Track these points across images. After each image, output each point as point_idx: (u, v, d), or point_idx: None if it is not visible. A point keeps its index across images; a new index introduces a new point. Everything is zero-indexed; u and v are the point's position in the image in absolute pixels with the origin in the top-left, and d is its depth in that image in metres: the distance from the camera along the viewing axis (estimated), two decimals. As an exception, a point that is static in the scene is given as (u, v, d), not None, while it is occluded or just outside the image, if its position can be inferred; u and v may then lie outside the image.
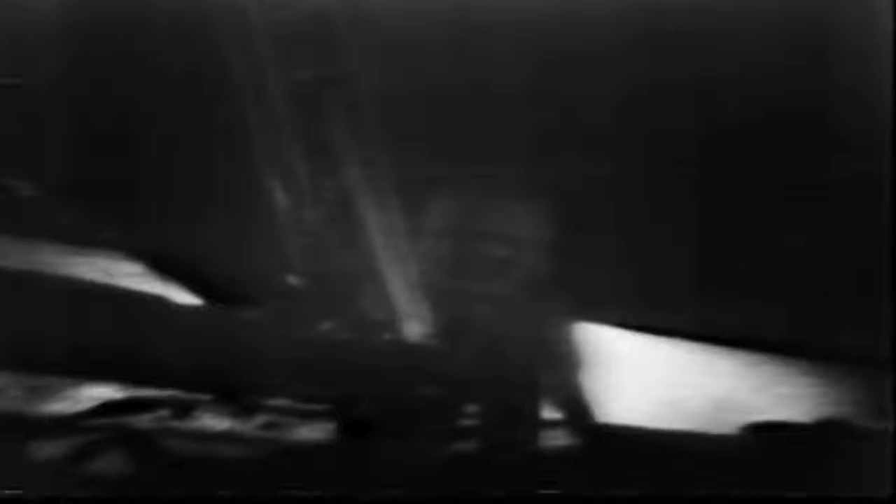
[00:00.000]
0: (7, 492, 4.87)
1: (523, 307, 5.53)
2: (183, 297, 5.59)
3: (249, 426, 5.24)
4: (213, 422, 5.26)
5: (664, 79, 5.47)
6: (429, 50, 5.51)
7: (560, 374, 5.43)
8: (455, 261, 5.60)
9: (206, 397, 5.32)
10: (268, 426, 5.24)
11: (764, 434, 5.18)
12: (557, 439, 5.22)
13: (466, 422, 5.34)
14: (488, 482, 4.98)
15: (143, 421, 5.24)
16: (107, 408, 5.31)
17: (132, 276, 5.58)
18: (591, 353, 5.42)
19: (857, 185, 5.38)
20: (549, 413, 5.37)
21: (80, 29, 5.66)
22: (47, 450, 5.15)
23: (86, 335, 5.44)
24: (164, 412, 5.28)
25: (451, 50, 5.52)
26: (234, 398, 5.34)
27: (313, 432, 5.21)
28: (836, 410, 5.21)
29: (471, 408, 5.37)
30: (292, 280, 5.62)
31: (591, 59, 5.47)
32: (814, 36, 5.43)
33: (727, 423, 5.22)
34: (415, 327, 5.55)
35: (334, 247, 5.57)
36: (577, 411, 5.37)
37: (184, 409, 5.29)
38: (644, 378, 5.38)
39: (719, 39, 5.46)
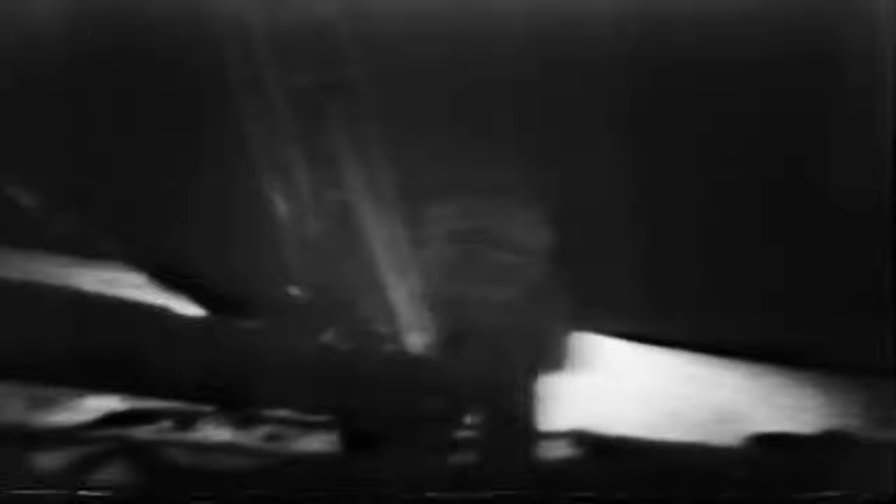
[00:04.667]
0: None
1: (526, 316, 5.53)
2: (185, 307, 5.59)
3: (251, 437, 5.25)
4: (215, 433, 5.26)
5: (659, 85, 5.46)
6: (429, 54, 5.49)
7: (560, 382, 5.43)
8: (458, 267, 5.60)
9: (209, 408, 5.32)
10: (269, 437, 5.25)
11: (765, 445, 5.19)
12: (558, 449, 5.22)
13: (467, 432, 5.34)
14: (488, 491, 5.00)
15: (146, 432, 5.25)
16: (109, 419, 5.32)
17: (134, 287, 5.58)
18: (591, 362, 5.42)
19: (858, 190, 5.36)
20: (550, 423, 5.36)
21: (78, 44, 5.64)
22: (50, 460, 5.17)
23: (88, 346, 5.45)
24: (166, 423, 5.29)
25: (452, 54, 5.50)
26: (235, 409, 5.34)
27: (315, 443, 5.22)
28: (838, 421, 5.21)
29: (472, 418, 5.37)
30: (294, 290, 5.62)
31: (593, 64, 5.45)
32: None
33: (728, 434, 5.22)
34: (417, 337, 5.55)
35: (336, 257, 5.56)
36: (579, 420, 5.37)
37: (186, 421, 5.30)
38: (644, 388, 5.38)
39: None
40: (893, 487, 4.88)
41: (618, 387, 5.38)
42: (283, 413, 5.33)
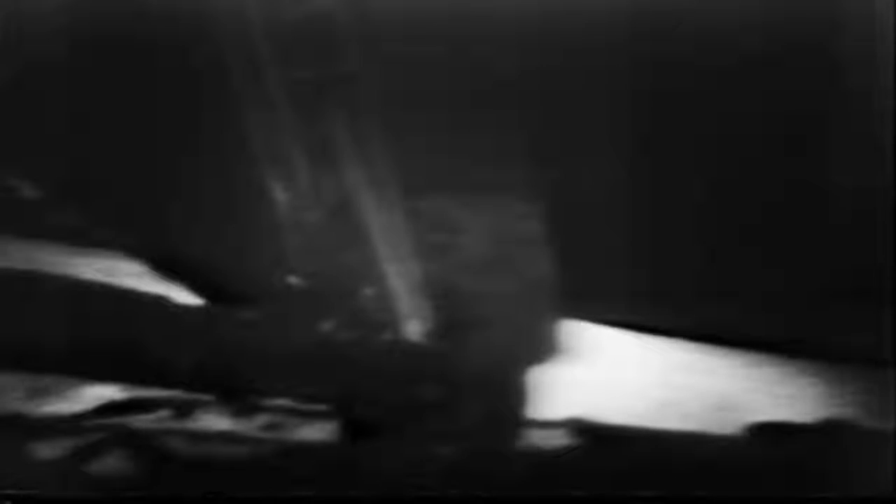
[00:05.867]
0: (10, 491, 4.88)
1: (523, 306, 5.55)
2: (183, 297, 5.59)
3: (250, 426, 5.25)
4: (214, 422, 5.26)
5: (658, 82, 5.49)
6: (429, 48, 5.51)
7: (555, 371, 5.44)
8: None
9: (208, 397, 5.32)
10: (268, 426, 5.24)
11: (763, 434, 5.19)
12: (555, 439, 5.22)
13: (465, 421, 5.34)
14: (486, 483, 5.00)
15: (145, 421, 5.24)
16: (108, 408, 5.31)
17: (133, 277, 5.59)
18: (588, 352, 5.43)
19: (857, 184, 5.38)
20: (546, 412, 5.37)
21: (81, 35, 5.66)
22: (48, 450, 5.16)
23: (87, 335, 5.45)
24: (165, 412, 5.28)
25: (452, 47, 5.53)
26: (235, 398, 5.33)
27: (314, 432, 5.22)
28: (836, 410, 5.22)
29: (470, 407, 5.38)
30: (293, 280, 5.63)
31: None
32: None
33: (726, 423, 5.23)
34: (416, 326, 5.56)
35: (335, 247, 5.58)
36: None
37: (185, 410, 5.29)
38: (642, 378, 5.38)
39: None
40: (893, 485, 4.88)
41: (615, 376, 5.38)
42: (282, 402, 5.33)
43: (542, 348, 5.42)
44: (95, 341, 5.44)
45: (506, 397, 5.33)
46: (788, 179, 5.49)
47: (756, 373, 5.29)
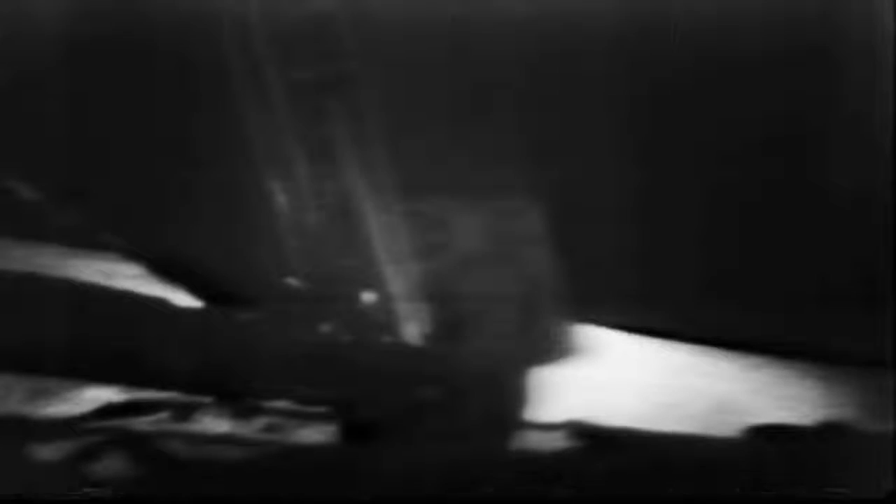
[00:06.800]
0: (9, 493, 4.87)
1: (525, 307, 5.54)
2: (183, 299, 5.59)
3: (250, 428, 5.25)
4: (214, 424, 5.26)
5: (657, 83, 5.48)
6: (429, 47, 5.50)
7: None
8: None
9: (207, 399, 5.32)
10: (268, 429, 5.24)
11: (763, 436, 5.19)
12: (555, 440, 5.22)
13: (465, 422, 5.34)
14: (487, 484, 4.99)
15: (144, 423, 5.25)
16: (107, 410, 5.31)
17: (133, 279, 5.59)
18: (589, 354, 5.43)
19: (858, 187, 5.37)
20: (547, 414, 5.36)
21: (82, 33, 5.65)
22: (48, 451, 5.15)
23: (86, 337, 5.44)
24: (164, 414, 5.28)
25: (452, 46, 5.52)
26: (234, 400, 5.33)
27: (313, 434, 5.22)
28: (836, 412, 5.21)
29: (470, 408, 5.38)
30: (293, 282, 5.62)
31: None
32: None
33: (727, 425, 5.22)
34: (415, 328, 5.55)
35: (334, 249, 5.56)
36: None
37: (184, 412, 5.30)
38: (643, 380, 5.38)
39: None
40: (892, 486, 4.86)
41: (616, 378, 5.39)
42: (281, 404, 5.33)
43: (542, 350, 5.42)
44: (95, 343, 5.44)
45: (505, 399, 5.33)
46: (788, 181, 5.48)
47: (756, 375, 5.29)
